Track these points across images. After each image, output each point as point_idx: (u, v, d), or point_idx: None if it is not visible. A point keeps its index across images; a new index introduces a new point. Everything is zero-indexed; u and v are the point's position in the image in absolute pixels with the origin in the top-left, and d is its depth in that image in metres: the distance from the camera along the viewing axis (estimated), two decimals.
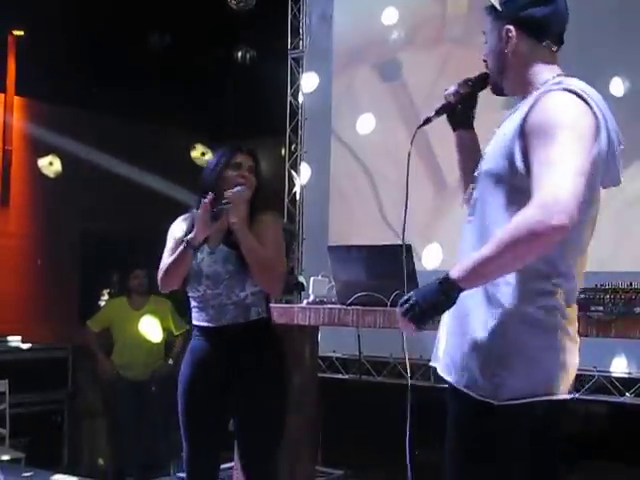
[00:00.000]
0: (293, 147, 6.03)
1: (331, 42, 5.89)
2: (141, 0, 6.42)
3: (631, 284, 2.79)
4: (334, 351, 5.39)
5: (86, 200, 7.43)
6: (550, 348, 2.04)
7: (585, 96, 2.03)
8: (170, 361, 6.27)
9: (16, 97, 7.30)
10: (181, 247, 3.08)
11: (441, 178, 4.85)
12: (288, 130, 6.04)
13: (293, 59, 6.07)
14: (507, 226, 1.94)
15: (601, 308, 2.77)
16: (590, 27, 4.46)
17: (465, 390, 2.08)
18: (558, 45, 2.19)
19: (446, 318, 2.19)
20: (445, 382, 2.19)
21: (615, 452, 4.98)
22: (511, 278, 2.02)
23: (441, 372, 2.20)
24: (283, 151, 6.22)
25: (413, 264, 3.35)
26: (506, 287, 2.04)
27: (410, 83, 5.33)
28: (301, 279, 4.27)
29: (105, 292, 7.72)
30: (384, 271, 3.43)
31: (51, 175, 7.38)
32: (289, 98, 6.04)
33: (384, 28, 5.54)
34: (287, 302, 3.85)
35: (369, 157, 5.48)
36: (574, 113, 2.00)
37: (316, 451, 4.15)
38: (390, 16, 5.53)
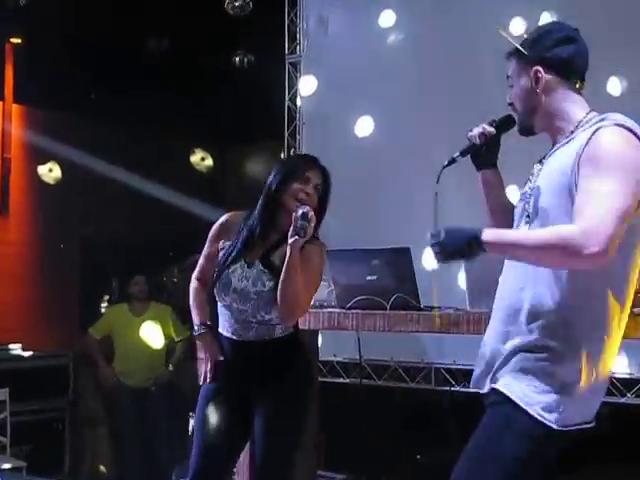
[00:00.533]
0: (291, 151, 6.02)
1: (328, 46, 5.89)
2: (139, 6, 6.41)
3: None
4: (334, 355, 5.37)
5: (85, 207, 7.43)
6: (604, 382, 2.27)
7: (635, 130, 2.14)
8: (171, 367, 6.26)
9: (14, 105, 7.30)
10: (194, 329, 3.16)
11: (441, 179, 4.83)
12: (286, 134, 6.04)
13: (290, 64, 6.07)
14: (554, 229, 2.09)
15: None
16: (587, 25, 4.46)
17: (526, 407, 2.16)
18: (582, 81, 2.32)
19: (493, 335, 2.28)
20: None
21: (616, 452, 4.97)
22: (592, 328, 2.18)
23: (496, 384, 2.24)
24: (282, 155, 6.22)
25: (412, 267, 3.34)
26: (579, 330, 2.16)
27: (408, 86, 5.32)
28: None
29: (105, 299, 7.71)
30: (383, 274, 3.42)
31: (51, 182, 7.37)
32: (287, 102, 6.04)
33: (381, 31, 5.54)
34: None
35: (368, 160, 5.46)
36: (625, 147, 2.11)
37: (317, 455, 4.14)
38: (387, 19, 5.52)
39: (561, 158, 2.21)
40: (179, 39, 7.04)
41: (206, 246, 3.20)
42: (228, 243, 3.11)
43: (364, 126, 5.52)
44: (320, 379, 4.43)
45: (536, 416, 2.14)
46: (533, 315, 2.18)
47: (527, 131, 2.37)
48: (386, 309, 3.33)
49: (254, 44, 7.14)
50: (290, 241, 2.85)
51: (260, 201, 3.10)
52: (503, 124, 2.45)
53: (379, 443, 5.33)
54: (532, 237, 2.15)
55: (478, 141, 2.46)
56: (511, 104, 2.38)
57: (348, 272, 3.54)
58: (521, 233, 2.22)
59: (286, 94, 6.04)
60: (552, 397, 2.14)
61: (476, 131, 2.46)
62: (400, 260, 3.38)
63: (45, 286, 7.30)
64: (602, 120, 2.18)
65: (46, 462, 6.02)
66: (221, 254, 3.11)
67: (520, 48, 2.30)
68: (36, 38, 6.73)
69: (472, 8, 5.09)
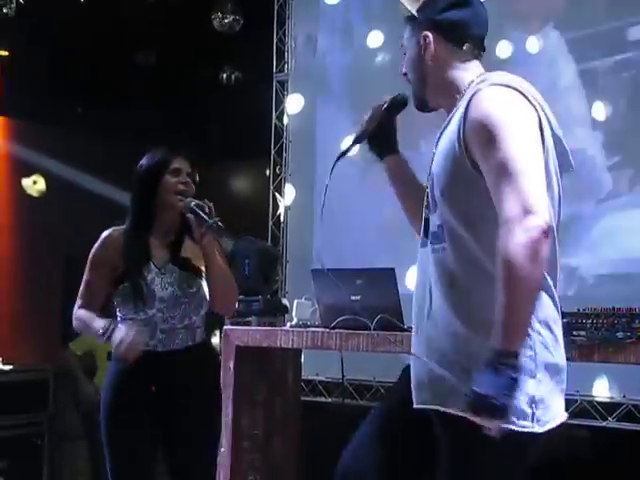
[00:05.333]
0: (277, 169, 6.03)
1: (316, 65, 5.91)
2: (127, 20, 6.41)
3: (613, 309, 2.79)
4: (317, 374, 5.37)
5: (70, 221, 7.38)
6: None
7: (514, 85, 1.96)
8: None
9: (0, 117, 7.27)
10: (102, 331, 2.95)
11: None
12: (273, 152, 6.05)
13: (278, 82, 6.09)
14: (501, 253, 1.81)
15: (583, 333, 2.78)
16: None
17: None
18: (480, 49, 2.14)
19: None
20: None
21: (596, 476, 4.98)
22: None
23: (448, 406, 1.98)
24: (267, 173, 6.22)
25: (396, 288, 3.35)
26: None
27: None
28: (285, 302, 4.25)
29: None
30: (368, 295, 3.42)
31: (35, 195, 7.33)
32: (274, 120, 6.05)
33: (369, 51, 5.57)
34: (270, 325, 3.83)
35: (353, 179, 5.48)
36: (509, 106, 1.92)
37: (298, 474, 4.13)
38: (375, 39, 5.56)
39: (447, 136, 2.02)
40: (167, 54, 7.04)
41: (87, 272, 3.13)
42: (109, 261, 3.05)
43: None
44: (302, 398, 4.43)
45: (513, 428, 1.88)
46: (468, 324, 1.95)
47: (421, 104, 2.19)
48: (370, 329, 3.33)
49: (242, 61, 7.16)
50: (204, 241, 2.88)
51: (132, 203, 3.10)
52: (393, 105, 2.29)
53: None
54: (504, 294, 1.79)
55: (368, 126, 2.31)
56: (405, 74, 2.19)
57: (332, 292, 3.54)
58: (501, 298, 1.80)
59: (273, 112, 6.05)
60: (523, 401, 1.91)
61: (366, 115, 2.31)
62: (384, 281, 3.39)
63: (27, 300, 7.24)
64: (481, 82, 2.01)
65: (24, 477, 5.96)
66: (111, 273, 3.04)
67: (412, 11, 2.10)
68: (22, 51, 6.72)
69: None
